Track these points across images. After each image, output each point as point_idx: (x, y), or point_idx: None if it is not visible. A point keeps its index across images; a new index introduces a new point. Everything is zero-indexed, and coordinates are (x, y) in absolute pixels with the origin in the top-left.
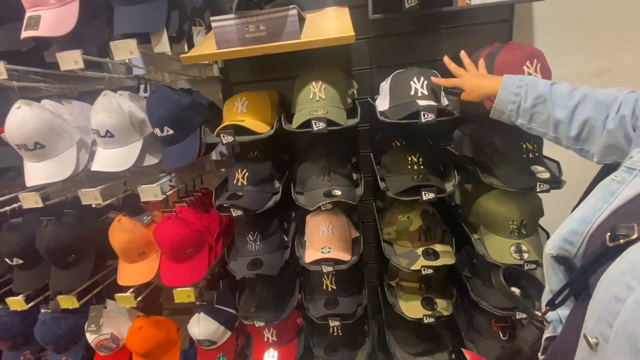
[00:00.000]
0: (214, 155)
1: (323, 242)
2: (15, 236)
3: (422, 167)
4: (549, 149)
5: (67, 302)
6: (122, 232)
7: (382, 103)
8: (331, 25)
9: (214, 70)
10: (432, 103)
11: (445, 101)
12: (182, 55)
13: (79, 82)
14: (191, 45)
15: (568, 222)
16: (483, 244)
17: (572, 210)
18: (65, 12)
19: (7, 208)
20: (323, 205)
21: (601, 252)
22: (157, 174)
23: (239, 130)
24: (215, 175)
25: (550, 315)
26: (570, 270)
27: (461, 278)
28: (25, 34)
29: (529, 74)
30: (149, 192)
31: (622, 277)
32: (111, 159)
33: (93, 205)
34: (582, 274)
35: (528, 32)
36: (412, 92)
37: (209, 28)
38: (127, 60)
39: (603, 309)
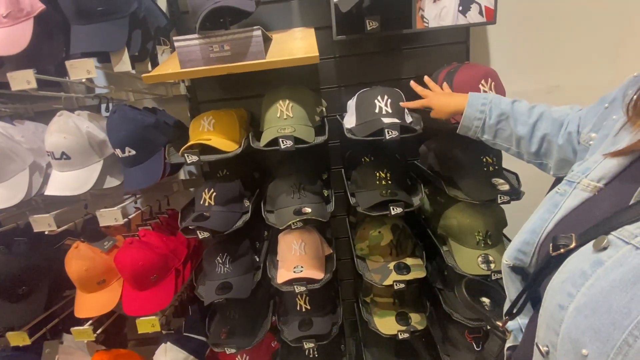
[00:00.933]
0: (182, 175)
1: (295, 261)
2: None
3: (389, 182)
4: (507, 162)
5: (18, 339)
6: (79, 259)
7: (349, 120)
8: (297, 46)
9: (181, 88)
10: (396, 120)
11: (409, 118)
12: (143, 75)
13: (34, 102)
14: (155, 64)
15: (520, 234)
16: (452, 256)
17: None
18: (18, 30)
19: None
20: (293, 223)
21: (546, 261)
22: (122, 196)
23: (205, 149)
24: (183, 196)
25: (511, 325)
26: (527, 280)
27: (433, 290)
28: None
29: (484, 91)
30: (109, 217)
31: (564, 286)
32: (67, 182)
33: (46, 232)
34: (533, 283)
35: (484, 52)
36: (377, 110)
37: (174, 47)
38: (84, 80)
39: (550, 317)
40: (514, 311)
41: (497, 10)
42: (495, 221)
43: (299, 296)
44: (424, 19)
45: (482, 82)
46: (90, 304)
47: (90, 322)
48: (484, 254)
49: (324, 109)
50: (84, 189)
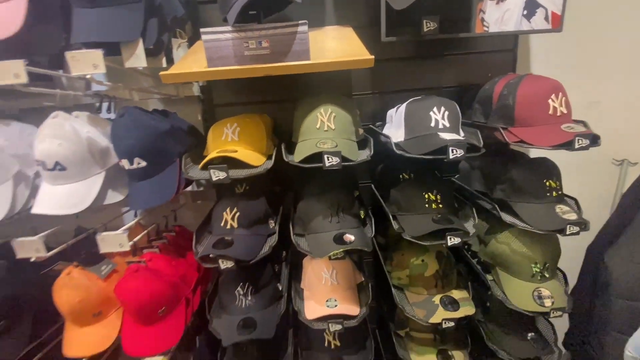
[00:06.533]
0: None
1: (327, 292)
2: None
3: (440, 206)
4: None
5: None
6: (72, 289)
7: (396, 134)
8: (338, 47)
9: (194, 89)
10: (457, 137)
11: (462, 132)
12: (162, 73)
13: (19, 98)
14: (170, 60)
15: None
16: (500, 288)
17: (587, 249)
18: (10, 10)
19: None
20: (333, 254)
21: None
22: (119, 209)
23: (229, 162)
24: (190, 210)
25: None
26: None
27: (471, 322)
28: None
29: (555, 107)
30: (112, 242)
31: None
32: (61, 198)
33: (32, 259)
34: None
35: (526, 62)
36: (433, 124)
37: (190, 41)
38: (88, 76)
39: None
40: None
41: (564, 17)
42: (554, 252)
43: (327, 331)
44: (484, 23)
45: (552, 97)
46: (83, 340)
47: None
48: (538, 288)
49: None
50: (81, 206)
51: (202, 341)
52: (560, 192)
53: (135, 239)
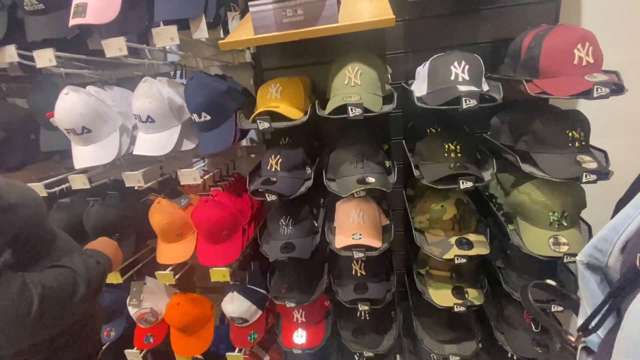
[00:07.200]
0: (244, 142)
1: (354, 228)
2: (63, 215)
3: (459, 155)
4: (596, 139)
5: (112, 277)
6: (161, 213)
7: (420, 88)
8: (367, 8)
9: (247, 56)
10: (474, 88)
11: (485, 86)
12: (220, 42)
13: (117, 69)
14: (226, 31)
15: (602, 230)
16: (519, 235)
17: (616, 203)
18: (108, 0)
19: (57, 189)
20: (356, 192)
21: (632, 275)
22: (191, 159)
23: (272, 116)
24: (245, 161)
25: (587, 339)
26: (606, 282)
27: (491, 268)
28: (73, 21)
29: (580, 57)
30: (188, 176)
31: None
32: (152, 143)
33: (135, 187)
34: (613, 297)
35: (576, 14)
36: (453, 77)
37: (242, 13)
38: (167, 47)
39: (631, 344)
40: (591, 326)
41: None
42: (575, 201)
43: (354, 262)
44: None
45: (579, 46)
46: (170, 253)
47: (170, 268)
48: (555, 236)
49: (389, 75)
50: (166, 150)
51: (256, 265)
52: (584, 143)
53: (205, 177)
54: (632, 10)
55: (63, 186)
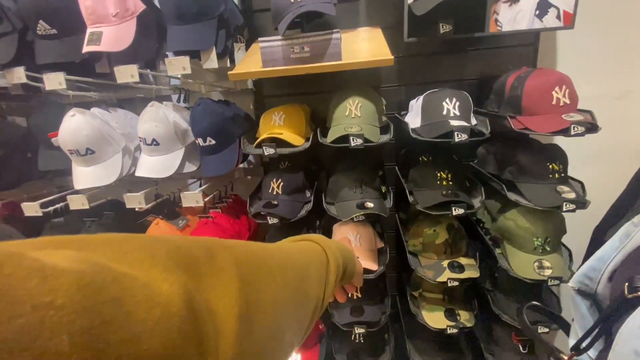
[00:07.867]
0: (241, 164)
1: None
2: (56, 235)
3: (450, 182)
4: (573, 170)
5: None
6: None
7: (414, 121)
8: (367, 47)
9: (248, 83)
10: (465, 123)
11: (474, 120)
12: (230, 72)
13: (118, 91)
14: (232, 61)
15: (590, 260)
16: (506, 259)
17: (593, 230)
18: (124, 29)
19: (51, 208)
20: (355, 216)
21: (621, 301)
22: (186, 180)
23: (276, 142)
24: (243, 182)
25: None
26: (596, 307)
27: (480, 290)
28: (87, 48)
29: (558, 98)
30: (191, 199)
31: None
32: (155, 165)
33: (136, 209)
34: (605, 320)
35: (552, 55)
36: (445, 112)
37: (247, 44)
38: (179, 75)
39: None
40: (582, 347)
41: (576, 15)
42: (556, 228)
43: None
44: (498, 23)
45: (556, 88)
46: None
47: None
48: (540, 260)
49: (383, 107)
50: (169, 172)
51: None
52: (563, 175)
53: (206, 199)
54: (600, 53)
55: (57, 206)
